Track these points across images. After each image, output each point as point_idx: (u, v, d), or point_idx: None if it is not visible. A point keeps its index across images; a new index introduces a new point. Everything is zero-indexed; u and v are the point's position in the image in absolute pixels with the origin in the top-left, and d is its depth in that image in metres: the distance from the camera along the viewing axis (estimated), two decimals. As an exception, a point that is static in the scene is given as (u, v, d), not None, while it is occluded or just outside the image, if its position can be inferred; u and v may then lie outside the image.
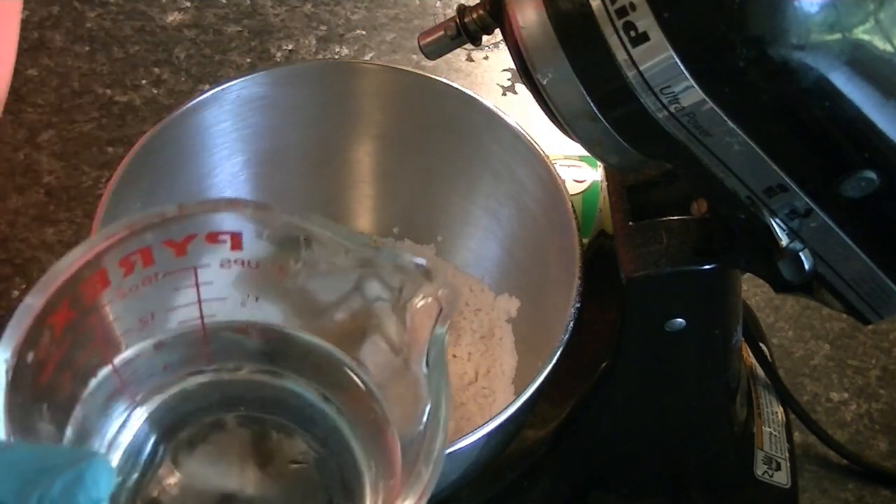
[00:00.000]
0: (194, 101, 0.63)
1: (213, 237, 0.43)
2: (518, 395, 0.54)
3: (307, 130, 0.68)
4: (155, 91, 0.86)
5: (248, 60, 0.88)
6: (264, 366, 0.47)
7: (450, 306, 0.41)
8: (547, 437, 0.64)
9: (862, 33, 0.43)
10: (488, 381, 0.67)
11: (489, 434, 0.53)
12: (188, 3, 0.91)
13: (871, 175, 0.46)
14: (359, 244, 0.43)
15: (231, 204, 0.44)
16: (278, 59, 0.88)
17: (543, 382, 0.55)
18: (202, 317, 0.45)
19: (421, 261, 0.42)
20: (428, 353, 0.41)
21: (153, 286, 0.43)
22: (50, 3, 0.90)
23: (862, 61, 0.44)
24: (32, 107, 0.84)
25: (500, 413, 0.53)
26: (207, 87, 0.68)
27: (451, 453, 0.53)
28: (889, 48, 0.44)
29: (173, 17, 0.90)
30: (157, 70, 0.87)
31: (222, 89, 0.64)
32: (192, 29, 0.89)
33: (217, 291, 0.45)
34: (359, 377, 0.46)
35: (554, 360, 0.55)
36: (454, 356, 0.67)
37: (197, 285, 0.44)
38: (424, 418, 0.40)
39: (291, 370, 0.47)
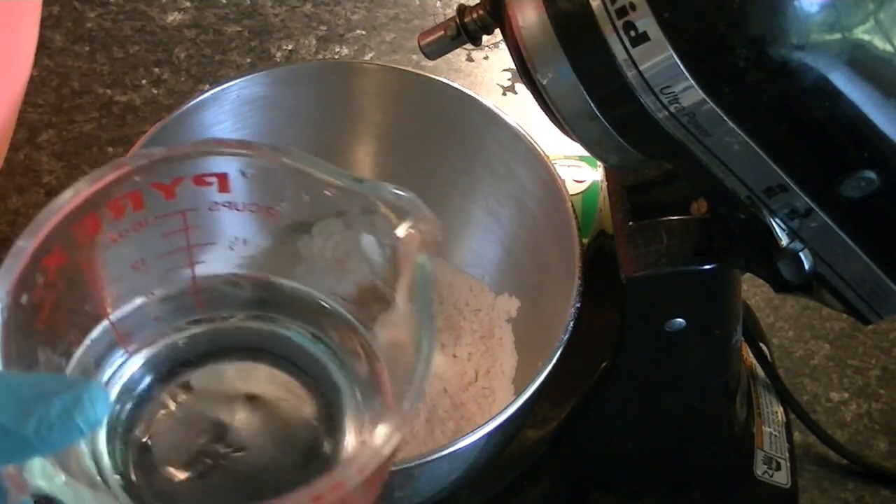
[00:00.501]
0: (194, 101, 0.63)
1: (201, 180, 0.43)
2: (518, 395, 0.54)
3: (307, 130, 0.68)
4: (155, 91, 0.86)
5: (248, 60, 0.88)
6: (256, 311, 0.47)
7: (430, 234, 0.41)
8: (547, 437, 0.64)
9: (862, 33, 0.43)
10: (488, 381, 0.67)
11: (489, 434, 0.53)
12: (188, 3, 0.91)
13: (871, 175, 0.46)
14: (342, 179, 0.43)
15: (217, 143, 0.45)
16: (278, 59, 0.88)
17: (543, 382, 0.54)
18: (192, 263, 0.45)
19: (403, 192, 0.42)
20: (411, 284, 0.41)
21: (144, 231, 0.44)
22: (50, 3, 0.89)
23: (862, 61, 0.44)
24: (32, 107, 0.84)
25: (500, 413, 0.53)
26: (207, 87, 0.68)
27: (451, 453, 0.53)
28: (889, 48, 0.44)
29: (173, 17, 0.90)
30: (157, 70, 0.87)
31: (222, 89, 0.64)
32: (192, 29, 0.89)
33: (205, 236, 0.45)
34: (347, 316, 0.46)
35: (554, 360, 0.55)
36: (454, 356, 0.67)
37: (186, 230, 0.45)
38: (415, 349, 0.40)
39: (282, 314, 0.47)
